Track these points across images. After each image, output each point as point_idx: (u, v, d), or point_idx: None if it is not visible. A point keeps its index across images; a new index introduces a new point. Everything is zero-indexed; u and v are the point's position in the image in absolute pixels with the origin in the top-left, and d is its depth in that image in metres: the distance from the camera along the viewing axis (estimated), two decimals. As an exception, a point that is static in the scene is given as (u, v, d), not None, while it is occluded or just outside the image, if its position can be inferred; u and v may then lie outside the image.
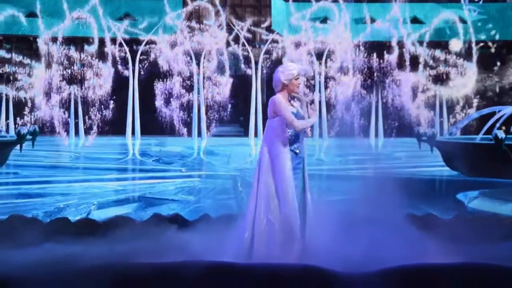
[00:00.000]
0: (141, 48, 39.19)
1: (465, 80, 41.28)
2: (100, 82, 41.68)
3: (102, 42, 42.05)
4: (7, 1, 39.78)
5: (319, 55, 39.49)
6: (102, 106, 41.02)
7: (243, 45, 40.29)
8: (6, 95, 38.01)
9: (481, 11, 44.34)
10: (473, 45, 40.77)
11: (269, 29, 41.01)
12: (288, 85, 7.27)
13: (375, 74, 39.54)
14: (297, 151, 7.25)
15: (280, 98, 7.25)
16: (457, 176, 16.77)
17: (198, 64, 39.13)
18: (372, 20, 42.54)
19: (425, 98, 40.69)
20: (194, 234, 7.99)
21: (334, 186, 15.24)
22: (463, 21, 40.72)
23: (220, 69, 44.76)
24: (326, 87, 39.30)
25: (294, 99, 7.39)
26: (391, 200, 8.13)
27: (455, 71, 40.60)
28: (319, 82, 39.25)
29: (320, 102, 38.96)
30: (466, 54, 42.25)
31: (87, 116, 38.75)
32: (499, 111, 14.28)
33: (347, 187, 15.20)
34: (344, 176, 18.64)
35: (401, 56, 42.03)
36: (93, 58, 41.20)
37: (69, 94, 38.39)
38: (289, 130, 7.20)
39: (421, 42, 40.86)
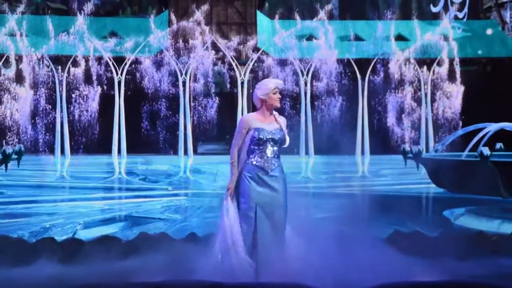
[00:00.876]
0: (127, 66, 39.19)
1: (450, 97, 41.50)
2: (85, 101, 41.62)
3: (87, 60, 42.06)
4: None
5: (304, 73, 39.62)
6: (88, 125, 40.93)
7: (229, 63, 40.38)
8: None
9: (466, 28, 44.69)
10: (457, 62, 41.04)
11: (255, 47, 41.13)
12: (267, 100, 7.28)
13: (361, 92, 39.68)
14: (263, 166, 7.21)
15: (244, 119, 7.38)
16: (443, 193, 16.81)
17: (184, 83, 39.14)
18: (358, 38, 42.73)
19: (410, 115, 40.86)
20: (180, 253, 7.95)
21: (321, 204, 15.22)
22: (448, 38, 41.01)
23: (206, 87, 44.74)
24: (312, 105, 39.37)
25: (279, 116, 7.39)
26: (377, 218, 8.12)
27: (440, 88, 40.82)
28: (305, 100, 39.33)
29: (306, 120, 39.05)
30: (451, 71, 42.54)
31: (73, 135, 38.63)
32: (484, 128, 14.33)
33: (333, 204, 15.20)
34: (331, 193, 18.65)
35: (386, 73, 42.23)
36: (79, 77, 41.16)
37: (55, 113, 38.28)
38: (256, 147, 7.22)
39: (406, 60, 41.07)
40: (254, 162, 7.19)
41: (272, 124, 7.27)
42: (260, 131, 7.19)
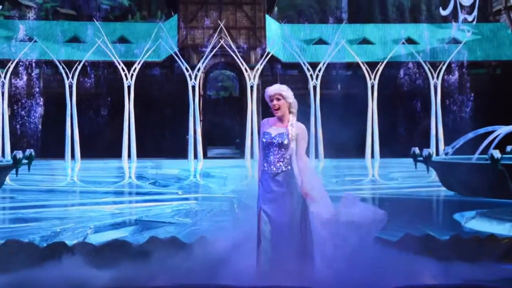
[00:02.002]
0: (136, 71, 39.25)
1: (460, 100, 41.44)
2: (95, 105, 41.75)
3: (97, 65, 42.19)
4: (1, 26, 39.94)
5: (313, 77, 39.60)
6: (98, 130, 41.04)
7: (238, 67, 40.39)
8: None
9: (475, 31, 44.59)
10: (467, 65, 40.98)
11: (264, 51, 41.15)
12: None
13: (370, 95, 39.61)
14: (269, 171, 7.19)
15: (261, 123, 7.36)
16: (454, 196, 16.77)
17: (193, 87, 39.17)
18: (367, 41, 42.70)
19: (420, 118, 40.81)
20: (192, 257, 7.95)
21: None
22: (457, 41, 40.92)
23: (216, 92, 44.71)
24: (321, 109, 39.31)
25: (296, 122, 7.31)
26: (387, 221, 8.07)
27: (449, 91, 40.74)
28: (314, 104, 39.30)
29: (316, 123, 39.03)
30: (460, 74, 42.46)
31: (83, 140, 38.70)
32: (494, 131, 14.29)
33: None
34: (341, 197, 18.59)
35: (395, 76, 42.20)
36: (88, 82, 41.32)
37: (65, 117, 38.36)
38: (263, 151, 7.21)
39: (415, 63, 41.04)
40: (262, 166, 7.20)
41: (279, 129, 7.22)
42: (264, 135, 7.19)
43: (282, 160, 7.13)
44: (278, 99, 7.16)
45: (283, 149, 7.12)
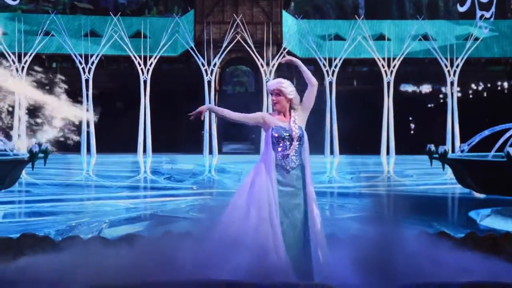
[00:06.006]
0: (153, 66, 39.30)
1: (476, 96, 41.24)
2: (111, 100, 41.84)
3: (114, 59, 42.28)
4: (20, 20, 40.05)
5: (330, 73, 39.49)
6: (114, 124, 41.13)
7: (254, 62, 40.34)
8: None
9: (493, 28, 44.29)
10: (484, 61, 40.72)
11: (280, 46, 41.06)
12: None
13: (386, 91, 39.47)
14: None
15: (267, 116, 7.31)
16: (469, 194, 16.72)
17: (209, 82, 39.19)
18: (384, 37, 42.54)
19: (436, 115, 40.64)
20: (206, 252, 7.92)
21: (347, 204, 15.22)
22: (475, 38, 40.65)
23: (232, 87, 44.62)
24: (337, 105, 39.21)
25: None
26: (402, 218, 8.07)
27: (466, 88, 40.53)
28: (330, 100, 39.23)
29: (331, 120, 38.94)
30: (477, 71, 42.22)
31: (98, 134, 38.80)
32: (511, 128, 14.17)
33: (358, 204, 15.21)
34: (357, 193, 18.61)
35: (412, 73, 41.99)
36: (104, 76, 41.40)
37: (81, 112, 38.44)
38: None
39: (432, 59, 40.85)
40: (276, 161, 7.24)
41: (284, 123, 7.24)
42: (274, 129, 7.22)
43: (295, 154, 7.13)
44: (278, 94, 7.17)
45: (297, 143, 7.12)
